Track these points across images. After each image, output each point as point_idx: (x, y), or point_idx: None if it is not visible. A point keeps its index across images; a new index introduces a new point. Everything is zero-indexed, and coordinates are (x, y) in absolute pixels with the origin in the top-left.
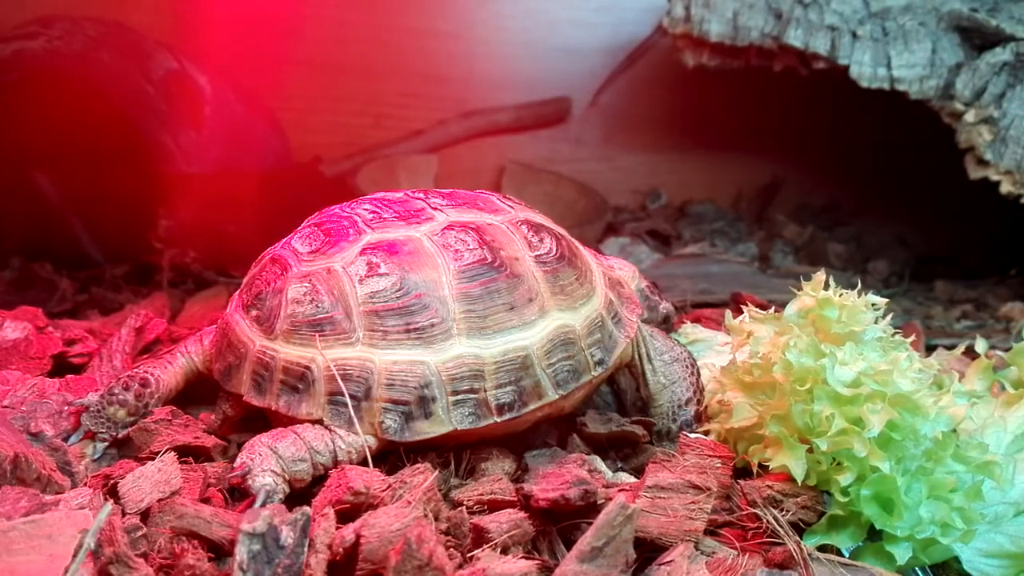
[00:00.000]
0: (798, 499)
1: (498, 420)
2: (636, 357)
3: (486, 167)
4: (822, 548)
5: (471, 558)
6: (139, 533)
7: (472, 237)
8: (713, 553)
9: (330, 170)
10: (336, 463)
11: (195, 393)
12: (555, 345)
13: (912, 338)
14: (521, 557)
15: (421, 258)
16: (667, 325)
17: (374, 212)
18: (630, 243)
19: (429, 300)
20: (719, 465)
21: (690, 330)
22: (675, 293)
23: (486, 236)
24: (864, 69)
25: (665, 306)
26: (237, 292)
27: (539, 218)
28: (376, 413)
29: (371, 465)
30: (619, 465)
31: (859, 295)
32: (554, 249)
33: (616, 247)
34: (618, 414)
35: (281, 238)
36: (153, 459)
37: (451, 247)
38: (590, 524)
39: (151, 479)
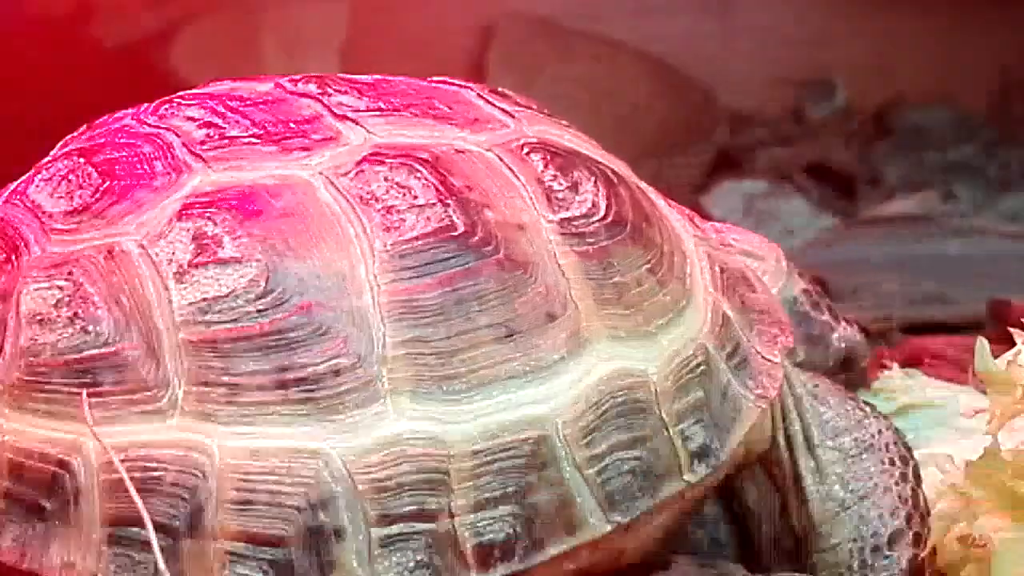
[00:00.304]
0: None
1: None
2: (782, 441)
3: (454, 26)
4: None
5: None
6: None
7: (421, 179)
8: None
9: (114, 34)
10: None
11: None
12: (605, 415)
13: None
14: None
15: (310, 226)
16: (853, 374)
17: (209, 125)
18: (768, 192)
19: (328, 318)
20: None
21: (899, 382)
22: (867, 302)
23: (452, 178)
24: None
25: (844, 332)
26: None
27: (568, 138)
28: (215, 564)
29: None
30: None
31: None
32: (601, 205)
33: (737, 200)
34: (741, 564)
35: (7, 181)
36: None
37: (376, 201)
38: None
39: None
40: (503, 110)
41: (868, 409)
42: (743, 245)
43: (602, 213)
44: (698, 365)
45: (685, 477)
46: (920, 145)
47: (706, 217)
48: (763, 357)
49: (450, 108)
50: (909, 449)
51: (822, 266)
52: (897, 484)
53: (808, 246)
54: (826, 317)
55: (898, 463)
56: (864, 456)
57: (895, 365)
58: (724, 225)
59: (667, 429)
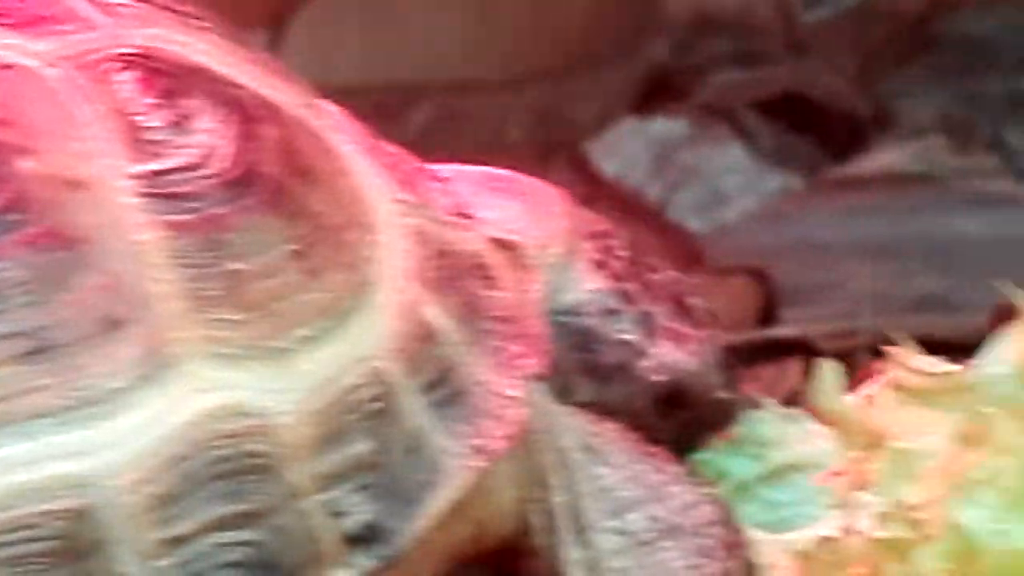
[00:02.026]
0: None
1: None
2: (539, 520)
3: None
4: None
5: None
6: None
7: None
8: None
9: None
10: None
11: None
12: (195, 477)
13: None
14: None
15: None
16: (704, 421)
17: None
18: (691, 136)
19: None
20: None
21: (776, 429)
22: (832, 308)
23: None
24: None
25: (664, 358)
26: None
27: (203, 48)
28: None
29: None
30: None
31: None
32: (221, 151)
33: (641, 148)
34: None
35: None
36: None
37: None
38: None
39: None
40: (105, 4)
41: (677, 471)
42: (495, 216)
43: (220, 164)
44: (369, 401)
45: (335, 574)
46: (971, 68)
47: (592, 175)
48: (494, 390)
49: None
50: (740, 534)
51: (767, 250)
52: None
53: (747, 220)
54: (631, 335)
55: (719, 555)
56: (664, 544)
57: (772, 403)
58: (497, 175)
59: (304, 499)
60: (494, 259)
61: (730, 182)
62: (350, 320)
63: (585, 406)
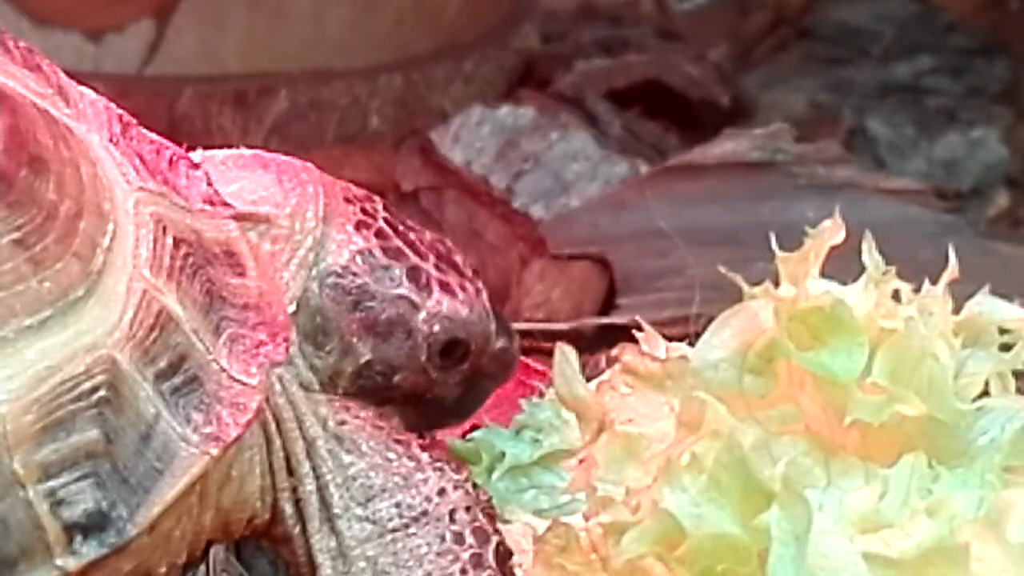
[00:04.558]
0: None
1: None
2: (288, 508)
3: None
4: None
5: None
6: None
7: None
8: None
9: None
10: None
11: None
12: None
13: None
14: None
15: None
16: (483, 383)
17: None
18: (536, 124)
19: None
20: None
21: (553, 414)
22: (668, 295)
23: None
24: None
25: (439, 308)
26: None
27: None
28: None
29: None
30: None
31: None
32: None
33: (488, 135)
34: None
35: None
36: None
37: None
38: None
39: None
40: None
41: (428, 458)
42: (244, 187)
43: None
44: (94, 389)
45: (59, 562)
46: (842, 57)
47: (439, 163)
48: (232, 377)
49: None
50: (492, 520)
51: (608, 238)
52: (464, 573)
53: (589, 207)
54: (403, 289)
55: (470, 541)
56: (412, 530)
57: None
58: (245, 153)
59: (22, 488)
60: (242, 245)
61: (575, 170)
62: (80, 309)
63: (368, 365)
